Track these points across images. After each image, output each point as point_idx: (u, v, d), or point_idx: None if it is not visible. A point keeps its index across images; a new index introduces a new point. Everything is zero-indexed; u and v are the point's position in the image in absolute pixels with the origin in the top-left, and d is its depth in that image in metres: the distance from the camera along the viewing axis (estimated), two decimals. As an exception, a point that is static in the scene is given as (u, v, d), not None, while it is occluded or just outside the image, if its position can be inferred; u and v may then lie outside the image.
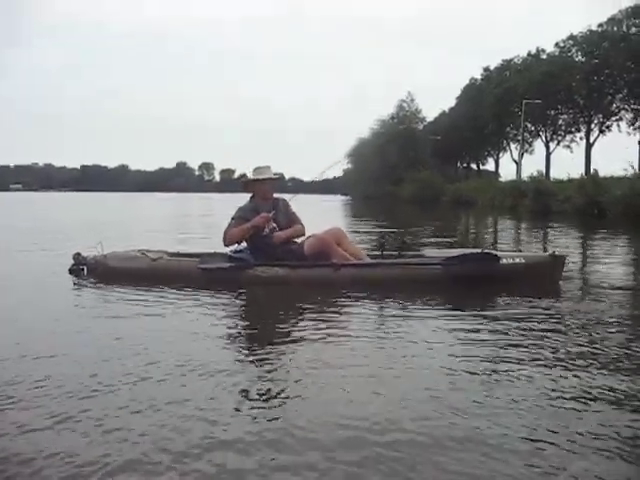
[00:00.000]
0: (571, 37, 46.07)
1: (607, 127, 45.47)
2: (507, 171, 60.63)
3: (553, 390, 2.86)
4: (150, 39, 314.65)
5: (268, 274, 5.91)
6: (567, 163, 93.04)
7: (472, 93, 58.70)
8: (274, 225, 6.13)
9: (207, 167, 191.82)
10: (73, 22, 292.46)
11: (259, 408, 2.65)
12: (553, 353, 3.51)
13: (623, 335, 4.02)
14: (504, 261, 5.88)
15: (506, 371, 3.16)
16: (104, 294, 5.52)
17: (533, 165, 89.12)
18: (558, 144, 50.24)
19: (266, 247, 6.12)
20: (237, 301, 5.37)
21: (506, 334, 3.97)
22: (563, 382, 2.97)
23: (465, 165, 70.77)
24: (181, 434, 2.38)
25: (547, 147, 51.00)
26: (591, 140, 46.10)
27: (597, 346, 3.66)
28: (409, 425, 2.46)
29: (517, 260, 5.96)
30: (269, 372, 3.15)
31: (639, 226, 17.35)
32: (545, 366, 3.25)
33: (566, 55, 46.41)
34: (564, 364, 3.28)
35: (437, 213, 29.49)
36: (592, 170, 27.09)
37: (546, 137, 51.05)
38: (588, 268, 7.67)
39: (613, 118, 44.59)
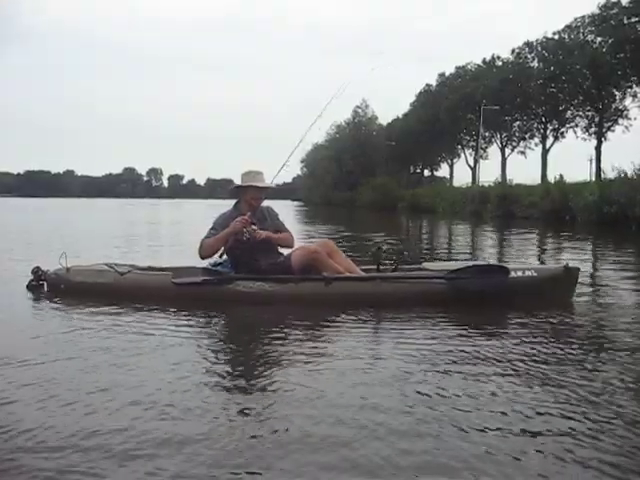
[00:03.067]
0: (527, 44, 46.38)
1: (561, 134, 45.90)
2: (459, 177, 60.89)
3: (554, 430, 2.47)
4: (97, 40, 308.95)
5: (251, 289, 5.31)
6: (521, 169, 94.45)
7: (427, 99, 58.75)
8: (254, 227, 5.36)
9: (155, 173, 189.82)
10: (23, 24, 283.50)
11: (239, 440, 2.38)
12: (574, 387, 3.02)
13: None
14: (513, 274, 5.26)
15: (513, 405, 2.76)
16: (66, 313, 4.93)
17: (487, 171, 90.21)
18: (513, 150, 50.67)
19: (249, 259, 5.42)
20: (216, 320, 4.81)
21: (516, 359, 3.52)
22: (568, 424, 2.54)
23: (419, 171, 70.79)
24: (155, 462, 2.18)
25: (502, 153, 51.34)
26: (547, 146, 46.51)
27: (618, 379, 3.16)
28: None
29: (528, 273, 5.36)
30: (250, 399, 2.86)
31: (613, 232, 16.99)
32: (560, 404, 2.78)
33: (522, 62, 46.70)
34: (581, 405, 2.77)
35: (399, 220, 29.04)
36: (558, 175, 26.95)
37: (501, 143, 51.35)
38: (597, 282, 7.02)
39: (568, 125, 44.96)
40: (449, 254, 11.05)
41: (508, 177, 35.01)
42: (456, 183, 53.90)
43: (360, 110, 67.42)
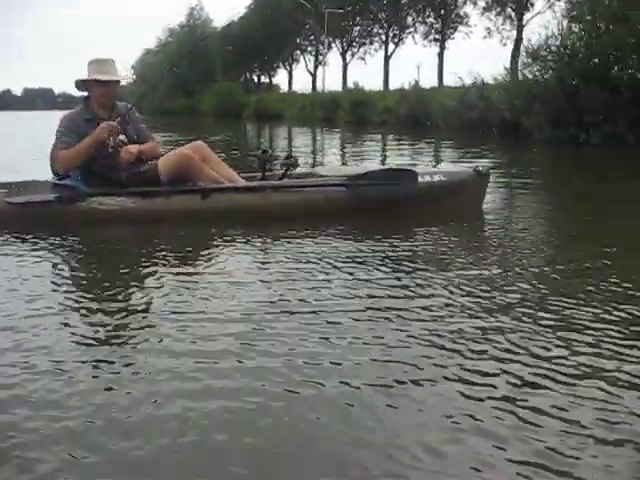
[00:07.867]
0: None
1: (401, 40, 46.16)
2: (297, 84, 60.32)
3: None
4: None
5: (109, 206, 4.52)
6: (361, 76, 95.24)
7: (265, 2, 56.71)
8: (122, 137, 4.47)
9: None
10: None
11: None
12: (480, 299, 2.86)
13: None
14: (421, 179, 4.89)
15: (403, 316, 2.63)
16: None
17: (327, 77, 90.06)
18: (353, 56, 50.50)
19: (104, 169, 4.52)
20: (64, 248, 4.01)
21: (427, 272, 3.30)
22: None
23: (257, 78, 69.19)
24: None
25: (343, 58, 51.03)
26: (388, 52, 46.65)
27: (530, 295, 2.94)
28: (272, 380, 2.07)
29: (436, 178, 4.99)
30: (109, 351, 2.33)
31: (477, 137, 17.14)
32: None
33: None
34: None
35: (252, 127, 28.12)
36: (414, 81, 26.83)
37: (343, 48, 50.92)
38: (503, 188, 6.89)
39: (407, 31, 45.21)
40: (331, 158, 10.70)
41: (354, 83, 34.90)
42: (295, 89, 53.55)
43: (195, 12, 64.02)
